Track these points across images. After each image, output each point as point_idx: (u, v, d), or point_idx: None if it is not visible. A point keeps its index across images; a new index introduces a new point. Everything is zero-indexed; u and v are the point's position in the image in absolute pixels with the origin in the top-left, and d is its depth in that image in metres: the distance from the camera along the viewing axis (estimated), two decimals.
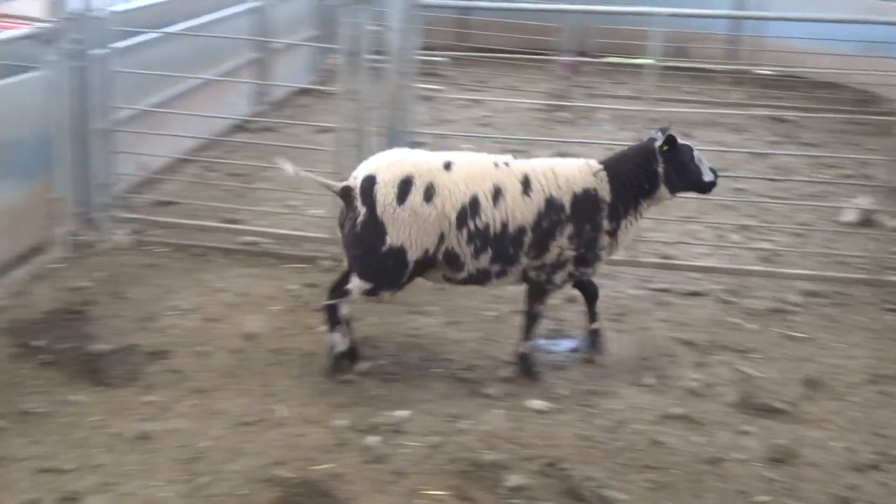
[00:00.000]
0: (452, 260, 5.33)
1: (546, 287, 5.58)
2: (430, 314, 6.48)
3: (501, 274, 5.45)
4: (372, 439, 4.98)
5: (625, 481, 4.74)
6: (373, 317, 6.33)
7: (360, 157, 6.96)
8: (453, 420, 5.21)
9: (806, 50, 13.35)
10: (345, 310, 5.45)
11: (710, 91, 13.36)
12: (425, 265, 5.34)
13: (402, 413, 5.21)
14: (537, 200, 5.33)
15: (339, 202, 5.45)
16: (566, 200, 5.37)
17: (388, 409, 5.27)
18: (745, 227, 8.29)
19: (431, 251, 5.27)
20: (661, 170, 5.50)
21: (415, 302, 6.61)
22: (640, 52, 7.11)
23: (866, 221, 8.32)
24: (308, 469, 4.73)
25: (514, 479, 4.69)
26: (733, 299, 6.92)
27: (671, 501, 4.63)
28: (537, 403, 5.41)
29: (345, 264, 5.55)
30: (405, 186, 5.19)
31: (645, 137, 5.70)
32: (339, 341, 5.49)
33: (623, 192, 5.47)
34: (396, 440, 5.00)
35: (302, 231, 7.67)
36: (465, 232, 5.25)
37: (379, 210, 5.18)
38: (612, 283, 7.10)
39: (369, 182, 5.22)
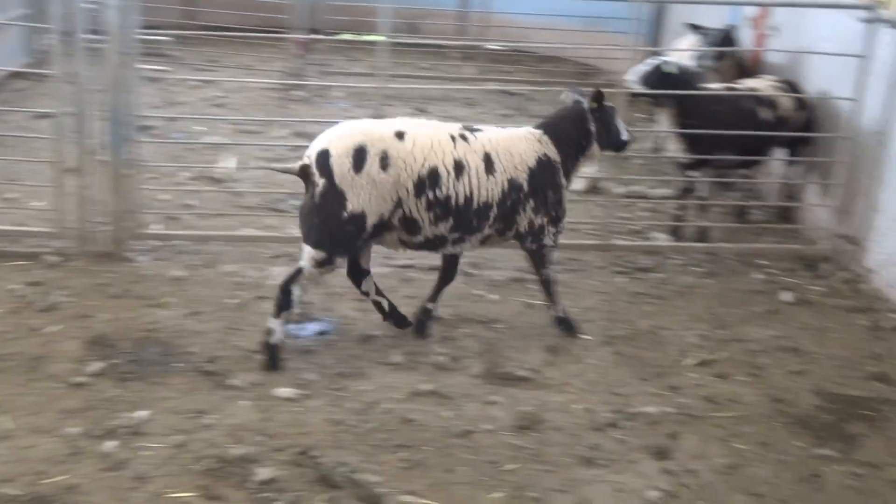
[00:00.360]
0: (410, 225, 5.49)
1: (543, 251, 5.91)
2: (168, 306, 6.18)
3: (459, 241, 5.67)
4: (109, 445, 4.66)
5: (377, 463, 4.69)
6: (105, 313, 5.96)
7: (82, 143, 6.54)
8: (197, 416, 4.98)
9: (531, 25, 13.80)
10: (297, 292, 5.45)
11: (443, 66, 13.58)
12: (381, 229, 5.46)
13: (141, 414, 4.92)
14: (500, 181, 5.61)
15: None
16: (524, 178, 5.68)
17: (125, 410, 4.96)
18: None
19: (387, 216, 5.41)
20: (593, 128, 5.90)
21: (151, 294, 6.28)
22: (372, 28, 7.03)
23: (593, 189, 8.69)
24: (39, 484, 4.37)
25: (264, 472, 4.53)
26: (475, 272, 7.04)
27: (424, 478, 4.61)
28: (285, 391, 5.27)
29: None
30: (360, 155, 5.28)
31: (569, 100, 6.06)
32: (279, 329, 5.47)
33: (567, 151, 5.86)
34: (136, 443, 4.71)
35: (23, 226, 7.12)
36: (423, 200, 5.42)
37: (337, 179, 5.26)
38: None
39: (324, 155, 5.29)
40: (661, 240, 7.82)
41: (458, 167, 5.46)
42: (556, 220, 5.84)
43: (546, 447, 4.92)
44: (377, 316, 6.15)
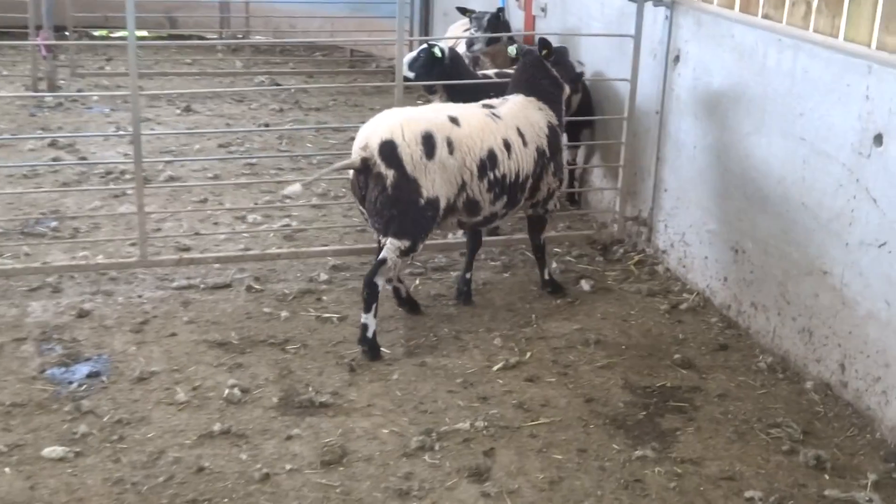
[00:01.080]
0: (472, 206, 5.74)
1: (546, 217, 6.40)
2: None
3: (504, 215, 6.07)
4: None
5: None
6: None
7: None
8: None
9: (297, 14, 13.27)
10: (381, 282, 5.55)
11: (207, 61, 12.86)
12: (448, 212, 5.64)
13: None
14: (531, 151, 5.98)
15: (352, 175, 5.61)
16: (545, 145, 6.08)
17: None
18: (262, 207, 7.91)
19: (453, 200, 5.61)
20: (556, 72, 6.25)
21: None
22: (124, 24, 6.33)
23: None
24: None
25: None
26: (261, 286, 6.52)
27: None
28: (54, 451, 4.63)
29: None
30: (429, 142, 5.43)
31: (515, 53, 6.79)
32: (372, 322, 5.58)
33: (555, 108, 6.22)
34: None
35: None
36: (485, 181, 5.69)
37: (409, 168, 5.35)
38: (126, 287, 6.38)
39: (390, 146, 5.37)
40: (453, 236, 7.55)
41: (507, 145, 5.79)
42: (561, 182, 6.33)
43: (356, 482, 4.52)
44: (156, 348, 5.57)
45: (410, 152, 5.34)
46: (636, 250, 7.37)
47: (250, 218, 7.71)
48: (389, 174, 5.34)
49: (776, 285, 5.84)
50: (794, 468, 4.75)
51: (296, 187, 5.64)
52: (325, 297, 6.46)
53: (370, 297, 5.49)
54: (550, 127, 6.14)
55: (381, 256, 5.48)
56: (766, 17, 6.05)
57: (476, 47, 8.36)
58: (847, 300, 5.23)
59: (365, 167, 5.39)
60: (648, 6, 6.95)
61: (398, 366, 5.59)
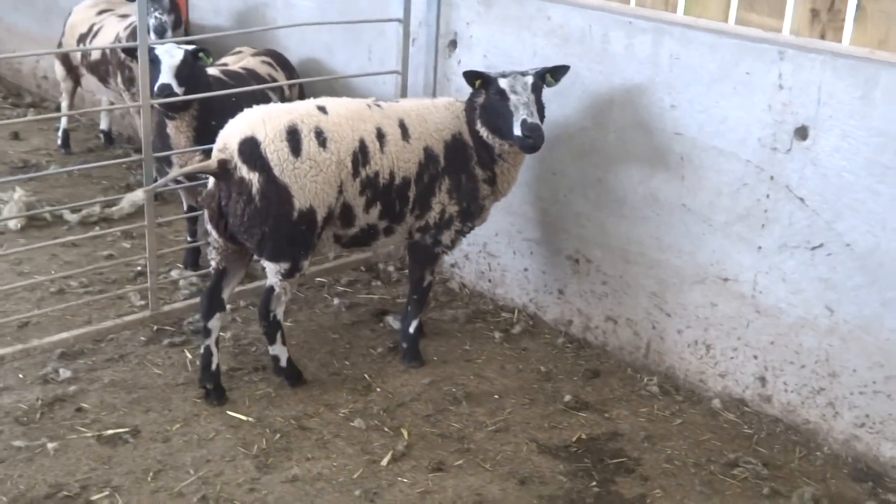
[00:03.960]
0: (346, 213, 4.70)
1: (435, 251, 5.13)
2: None
3: (387, 233, 4.95)
4: None
5: None
6: None
7: None
8: None
9: None
10: (280, 310, 4.80)
11: None
12: (325, 225, 4.63)
13: None
14: (415, 149, 4.86)
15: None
16: (439, 151, 4.96)
17: None
18: None
19: (334, 205, 4.60)
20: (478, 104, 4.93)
21: None
22: None
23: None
24: None
25: None
26: None
27: None
28: None
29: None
30: (294, 136, 4.43)
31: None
32: (282, 350, 4.90)
33: (477, 133, 4.99)
34: None
35: None
36: (358, 181, 4.66)
37: (276, 170, 4.35)
38: None
39: (251, 143, 4.37)
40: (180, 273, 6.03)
41: (380, 135, 4.76)
42: (466, 215, 5.09)
43: None
44: None
45: (276, 150, 4.40)
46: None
47: None
48: (254, 179, 4.38)
49: (646, 297, 5.23)
50: None
51: (137, 195, 4.70)
52: (85, 404, 4.71)
53: (271, 328, 4.83)
54: (456, 138, 4.99)
55: (267, 283, 4.73)
56: None
57: (169, 34, 6.63)
58: (765, 308, 4.76)
59: (224, 171, 4.41)
60: None
61: (262, 488, 4.16)
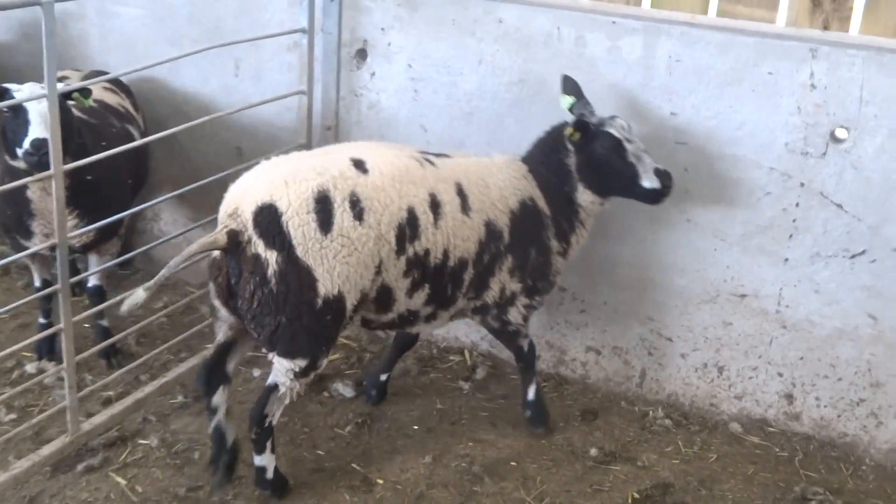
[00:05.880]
0: (384, 296, 3.77)
1: (510, 330, 4.25)
2: None
3: (428, 319, 4.02)
4: None
5: None
6: None
7: None
8: None
9: None
10: (276, 415, 3.78)
11: None
12: (355, 312, 3.73)
13: None
14: (476, 224, 3.94)
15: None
16: (503, 224, 4.05)
17: None
18: None
19: (368, 289, 3.66)
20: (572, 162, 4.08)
21: None
22: None
23: None
24: None
25: None
26: None
27: None
28: None
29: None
30: (324, 206, 3.41)
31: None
32: (270, 462, 3.89)
33: (550, 196, 4.14)
34: None
35: None
36: (403, 259, 3.71)
37: (300, 250, 3.36)
38: None
39: (269, 213, 3.42)
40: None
41: (434, 205, 3.84)
42: (531, 291, 4.24)
43: None
44: None
45: (301, 224, 3.48)
46: None
47: None
48: (271, 258, 3.47)
49: (638, 322, 4.76)
50: None
51: (139, 295, 3.41)
52: None
53: (263, 435, 3.83)
54: (524, 205, 4.09)
55: (270, 381, 3.77)
56: None
57: None
58: (793, 323, 4.45)
59: (234, 245, 3.50)
60: None
61: None
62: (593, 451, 4.44)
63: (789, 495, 4.22)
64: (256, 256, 3.48)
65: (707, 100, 4.32)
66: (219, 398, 3.86)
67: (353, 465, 4.25)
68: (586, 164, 4.06)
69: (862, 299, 4.29)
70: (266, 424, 3.81)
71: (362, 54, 4.96)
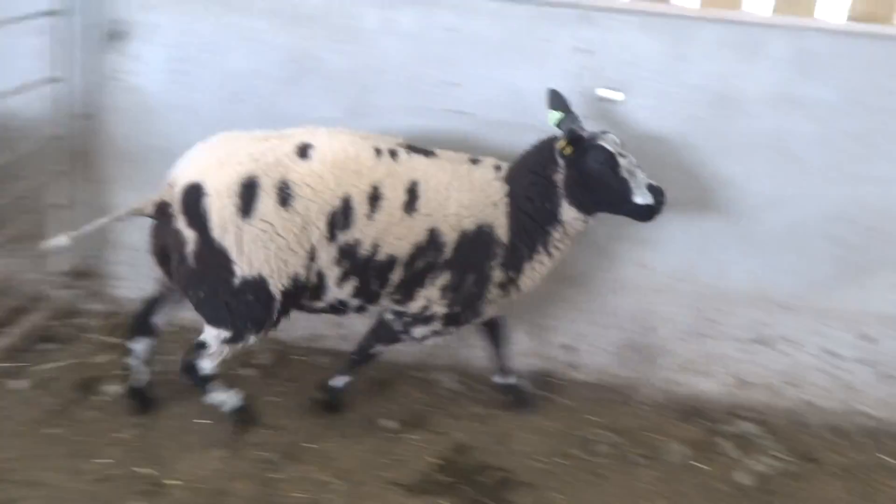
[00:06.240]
0: (317, 283, 3.95)
1: (400, 338, 4.26)
2: None
3: (358, 311, 4.14)
4: None
5: None
6: None
7: None
8: None
9: None
10: (208, 366, 3.95)
11: None
12: (299, 294, 3.87)
13: None
14: (418, 227, 3.92)
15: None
16: (450, 239, 3.97)
17: None
18: None
19: (304, 275, 3.79)
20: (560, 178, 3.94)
21: None
22: None
23: None
24: None
25: None
26: None
27: None
28: None
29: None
30: (249, 191, 3.58)
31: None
32: (225, 397, 4.10)
33: (522, 218, 4.02)
34: None
35: None
36: (334, 247, 3.83)
37: (216, 231, 3.56)
38: None
39: (195, 192, 3.62)
40: None
41: (374, 197, 3.85)
42: (453, 319, 4.19)
43: None
44: None
45: (220, 207, 3.65)
46: (88, 314, 5.03)
47: None
48: (190, 237, 3.69)
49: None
50: None
51: (61, 239, 3.66)
52: None
53: (199, 382, 4.04)
54: (479, 231, 3.98)
55: (200, 337, 3.97)
56: None
57: None
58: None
59: (161, 215, 3.73)
60: None
61: None
62: (389, 423, 4.42)
63: (576, 440, 4.44)
64: (178, 232, 3.69)
65: (485, 68, 4.35)
66: (138, 345, 4.16)
67: (142, 470, 3.94)
68: (576, 179, 3.92)
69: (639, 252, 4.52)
70: (195, 372, 4.01)
71: (123, 36, 4.65)
